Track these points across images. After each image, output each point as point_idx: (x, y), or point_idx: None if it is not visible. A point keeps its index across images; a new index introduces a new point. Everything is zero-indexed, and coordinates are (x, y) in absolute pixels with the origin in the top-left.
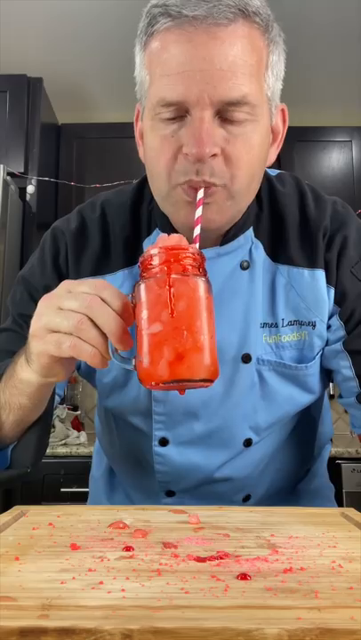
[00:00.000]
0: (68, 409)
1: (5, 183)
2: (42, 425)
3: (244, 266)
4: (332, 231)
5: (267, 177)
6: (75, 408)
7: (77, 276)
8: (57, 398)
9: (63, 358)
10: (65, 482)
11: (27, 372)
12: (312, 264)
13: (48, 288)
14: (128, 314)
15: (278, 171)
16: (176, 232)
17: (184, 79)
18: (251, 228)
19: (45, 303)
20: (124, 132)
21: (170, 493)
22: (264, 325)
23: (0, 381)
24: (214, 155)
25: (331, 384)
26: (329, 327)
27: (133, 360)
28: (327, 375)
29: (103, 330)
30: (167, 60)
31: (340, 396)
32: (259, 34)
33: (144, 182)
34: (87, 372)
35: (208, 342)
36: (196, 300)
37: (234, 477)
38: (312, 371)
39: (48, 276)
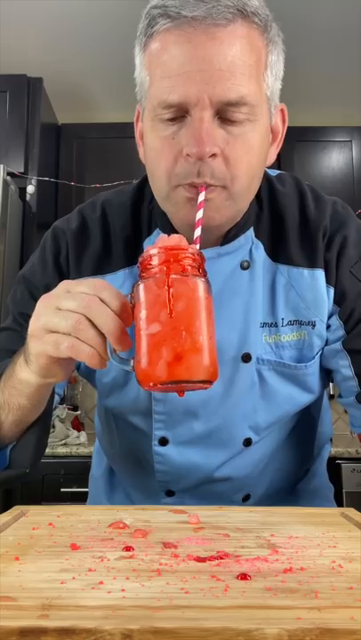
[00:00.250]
0: (68, 409)
1: (5, 183)
2: (41, 425)
3: (245, 266)
4: (332, 231)
5: (267, 177)
6: (75, 408)
7: (78, 275)
8: (57, 398)
9: (62, 359)
10: (65, 482)
11: (25, 373)
12: (312, 264)
13: (49, 287)
14: (127, 314)
15: (278, 171)
16: (176, 232)
17: (184, 80)
18: (251, 229)
19: (44, 303)
20: (124, 132)
21: (170, 493)
22: (264, 325)
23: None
24: (214, 155)
25: (331, 384)
26: (328, 327)
27: (132, 361)
28: (327, 375)
29: (102, 330)
30: (167, 62)
31: (340, 396)
32: (257, 34)
33: (144, 182)
34: (87, 372)
35: (207, 343)
36: (195, 300)
37: (233, 477)
38: (312, 370)
39: (49, 274)
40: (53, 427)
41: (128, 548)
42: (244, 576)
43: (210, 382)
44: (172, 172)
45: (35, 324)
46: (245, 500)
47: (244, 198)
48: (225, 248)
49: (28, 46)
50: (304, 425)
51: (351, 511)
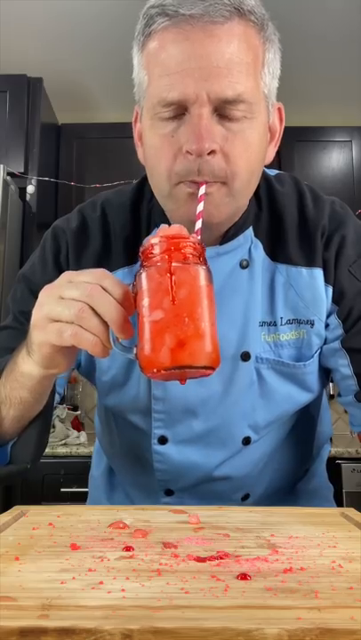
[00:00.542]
0: (68, 409)
1: (5, 183)
2: (42, 421)
3: (244, 265)
4: (331, 231)
5: (266, 177)
6: (75, 408)
7: None
8: (57, 397)
9: (64, 348)
10: (65, 482)
11: (28, 365)
12: (310, 263)
13: None
14: (129, 302)
15: (277, 171)
16: None
17: (182, 77)
18: (250, 228)
19: (46, 293)
20: (124, 132)
21: (169, 492)
22: (263, 324)
23: (0, 376)
24: (213, 151)
25: (331, 384)
26: (327, 326)
27: (135, 348)
28: (326, 374)
29: (104, 318)
30: (165, 60)
31: (340, 395)
32: (254, 32)
33: (143, 182)
34: (87, 371)
35: (209, 329)
36: (196, 287)
37: (233, 476)
38: (310, 369)
39: (49, 273)
40: (53, 427)
41: (128, 548)
42: (244, 576)
43: (212, 368)
44: (173, 169)
45: (38, 313)
46: (245, 499)
47: (244, 195)
48: (224, 247)
49: (28, 46)
50: (303, 424)
51: (351, 511)
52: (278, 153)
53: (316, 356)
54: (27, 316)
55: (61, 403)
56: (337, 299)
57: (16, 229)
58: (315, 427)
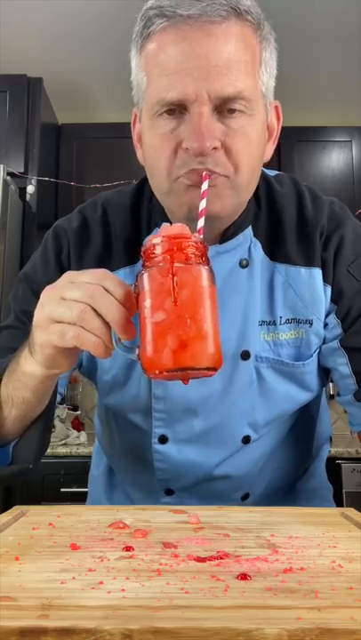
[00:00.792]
0: (68, 409)
1: (5, 183)
2: (44, 421)
3: (244, 264)
4: (329, 231)
5: (265, 177)
6: (75, 408)
7: None
8: (57, 397)
9: (67, 349)
10: (65, 482)
11: (30, 365)
12: (309, 263)
13: None
14: (131, 303)
15: (277, 172)
16: None
17: (182, 77)
18: (250, 227)
19: (48, 293)
20: (124, 132)
21: (169, 492)
22: (262, 323)
23: (2, 376)
24: (215, 148)
25: (331, 384)
26: (326, 325)
27: (137, 349)
28: (325, 374)
29: (106, 319)
30: (164, 61)
31: (339, 395)
32: (251, 31)
33: (143, 183)
34: (88, 371)
35: (212, 330)
36: (199, 288)
37: (233, 475)
38: (309, 368)
39: (51, 272)
40: (53, 427)
41: (128, 548)
42: (244, 576)
43: (215, 369)
44: (173, 165)
45: (39, 314)
46: (244, 498)
47: (246, 190)
48: (224, 246)
49: (28, 46)
50: (302, 424)
51: (351, 511)
52: (278, 153)
53: (315, 355)
54: (28, 315)
55: (61, 403)
56: (336, 298)
57: (16, 229)
58: (314, 427)
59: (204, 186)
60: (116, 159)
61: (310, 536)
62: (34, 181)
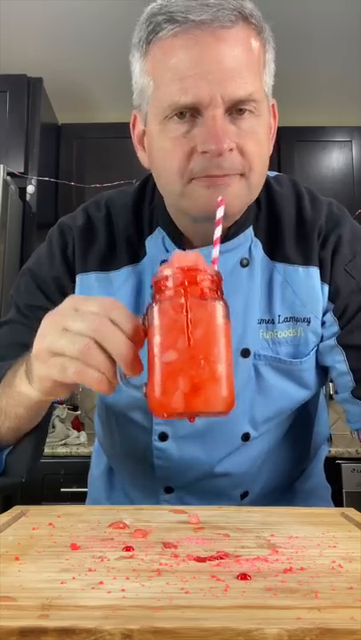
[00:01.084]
0: (68, 409)
1: (5, 183)
2: (38, 433)
3: (244, 263)
4: (327, 230)
5: (265, 178)
6: (75, 408)
7: (83, 270)
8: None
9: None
10: (65, 482)
11: (26, 388)
12: (307, 262)
13: (57, 279)
14: (139, 337)
15: (276, 173)
16: (179, 231)
17: (196, 81)
18: (251, 227)
19: (49, 321)
20: (124, 132)
21: (168, 490)
22: (261, 321)
23: None
24: (231, 150)
25: (330, 384)
26: (323, 323)
27: (144, 387)
28: (324, 373)
29: (112, 355)
30: (176, 65)
31: (336, 392)
32: (255, 34)
33: (145, 184)
34: None
35: (225, 371)
36: (214, 326)
37: (232, 473)
38: (307, 366)
39: (57, 267)
40: (53, 427)
41: (128, 548)
42: (244, 576)
43: (226, 413)
44: (186, 168)
45: (39, 344)
46: (244, 496)
47: (257, 189)
48: (225, 245)
49: (28, 46)
50: (300, 424)
51: (351, 511)
52: (278, 153)
53: (313, 353)
54: (33, 309)
55: (61, 403)
56: (333, 297)
57: (16, 229)
58: (312, 426)
59: (219, 213)
60: (116, 159)
61: (310, 536)
62: (34, 181)
